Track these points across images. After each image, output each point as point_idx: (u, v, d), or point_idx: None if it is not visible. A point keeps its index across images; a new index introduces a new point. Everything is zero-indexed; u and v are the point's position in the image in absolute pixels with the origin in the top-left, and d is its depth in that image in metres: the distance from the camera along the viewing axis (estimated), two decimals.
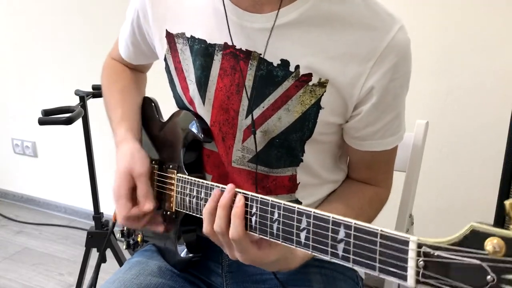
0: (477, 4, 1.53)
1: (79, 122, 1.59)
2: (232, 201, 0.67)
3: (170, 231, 0.89)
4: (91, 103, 1.65)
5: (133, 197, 0.83)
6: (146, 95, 1.04)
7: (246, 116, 0.80)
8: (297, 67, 0.75)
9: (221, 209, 0.67)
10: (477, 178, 1.63)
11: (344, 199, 0.85)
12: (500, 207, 1.16)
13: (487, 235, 0.42)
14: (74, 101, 1.62)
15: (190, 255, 0.86)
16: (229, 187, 0.68)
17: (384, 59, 0.73)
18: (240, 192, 0.67)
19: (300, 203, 0.86)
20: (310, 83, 0.75)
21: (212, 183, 0.74)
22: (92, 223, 1.73)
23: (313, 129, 0.78)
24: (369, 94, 0.75)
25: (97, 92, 1.65)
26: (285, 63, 0.75)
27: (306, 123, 0.78)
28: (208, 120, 0.84)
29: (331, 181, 0.88)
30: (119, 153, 0.87)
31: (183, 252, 0.87)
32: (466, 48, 1.57)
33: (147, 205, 0.81)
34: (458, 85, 1.60)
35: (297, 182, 0.84)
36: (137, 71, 1.06)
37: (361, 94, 0.75)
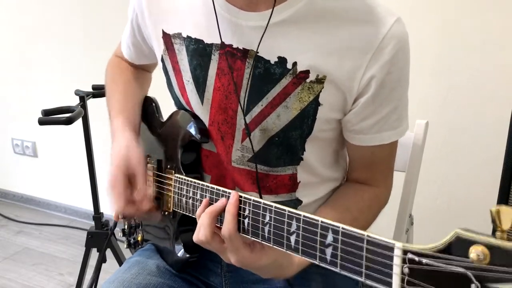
0: (477, 4, 1.53)
1: (79, 122, 1.59)
2: (220, 212, 0.68)
3: (168, 230, 0.89)
4: (91, 103, 1.65)
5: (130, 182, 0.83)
6: (147, 95, 1.04)
7: (245, 115, 0.80)
8: (295, 64, 0.75)
9: (207, 216, 0.68)
10: (477, 178, 1.63)
11: (342, 202, 0.85)
12: None
13: (472, 242, 0.41)
14: (74, 101, 1.62)
15: (187, 255, 0.86)
16: (222, 199, 0.68)
17: (381, 51, 0.73)
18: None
19: (300, 202, 0.86)
20: (308, 80, 0.75)
21: (208, 185, 0.74)
22: (92, 223, 1.74)
23: (313, 126, 0.78)
24: (368, 86, 0.75)
25: (97, 92, 1.65)
26: (282, 61, 0.75)
27: (305, 120, 0.78)
28: (206, 120, 0.84)
29: (331, 179, 0.88)
30: (114, 143, 0.87)
31: (180, 252, 0.87)
32: (466, 48, 1.57)
33: (144, 205, 0.82)
34: (458, 85, 1.60)
35: (298, 181, 0.84)
36: (142, 70, 1.06)
37: (360, 87, 0.75)
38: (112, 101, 0.97)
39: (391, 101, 0.78)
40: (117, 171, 0.82)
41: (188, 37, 0.81)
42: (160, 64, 0.89)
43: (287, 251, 0.61)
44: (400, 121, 0.81)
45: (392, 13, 0.75)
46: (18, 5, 2.44)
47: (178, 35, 0.83)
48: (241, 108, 0.78)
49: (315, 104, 0.76)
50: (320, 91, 0.75)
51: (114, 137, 0.89)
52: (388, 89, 0.76)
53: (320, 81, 0.75)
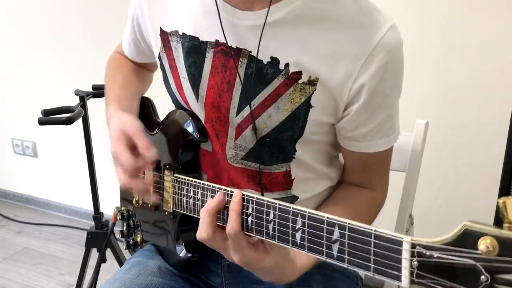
0: (476, 4, 1.53)
1: (79, 122, 1.59)
2: (218, 208, 0.67)
3: (168, 231, 0.89)
4: (91, 103, 1.65)
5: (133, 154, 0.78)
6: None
7: (237, 114, 0.80)
8: (287, 65, 0.75)
9: (207, 214, 0.66)
10: (477, 178, 1.63)
11: (340, 202, 0.85)
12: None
13: (480, 234, 0.42)
14: (74, 101, 1.62)
15: (189, 255, 0.86)
16: (218, 194, 0.67)
17: (373, 58, 0.72)
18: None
19: (296, 198, 0.86)
20: (300, 81, 0.75)
21: (209, 184, 0.73)
22: (92, 223, 1.74)
23: (304, 128, 0.78)
24: (358, 94, 0.75)
25: (97, 92, 1.65)
26: (275, 61, 0.75)
27: (296, 121, 0.78)
28: (202, 117, 0.84)
29: (327, 177, 0.88)
30: (110, 127, 0.84)
31: (181, 252, 0.87)
32: (465, 48, 1.57)
33: (150, 153, 0.76)
34: (458, 84, 1.60)
35: (292, 178, 0.84)
36: (143, 68, 1.06)
37: (351, 94, 0.75)
38: (109, 94, 0.97)
39: (385, 109, 0.78)
40: (117, 144, 0.78)
41: (184, 34, 0.82)
42: (157, 62, 0.89)
43: (293, 248, 0.60)
44: (394, 128, 0.82)
45: (387, 18, 0.74)
46: (18, 5, 2.44)
47: (175, 33, 0.83)
48: (249, 104, 0.78)
49: (306, 106, 0.76)
50: (312, 93, 0.75)
51: (108, 124, 0.87)
52: (381, 96, 0.76)
53: (312, 82, 0.75)
